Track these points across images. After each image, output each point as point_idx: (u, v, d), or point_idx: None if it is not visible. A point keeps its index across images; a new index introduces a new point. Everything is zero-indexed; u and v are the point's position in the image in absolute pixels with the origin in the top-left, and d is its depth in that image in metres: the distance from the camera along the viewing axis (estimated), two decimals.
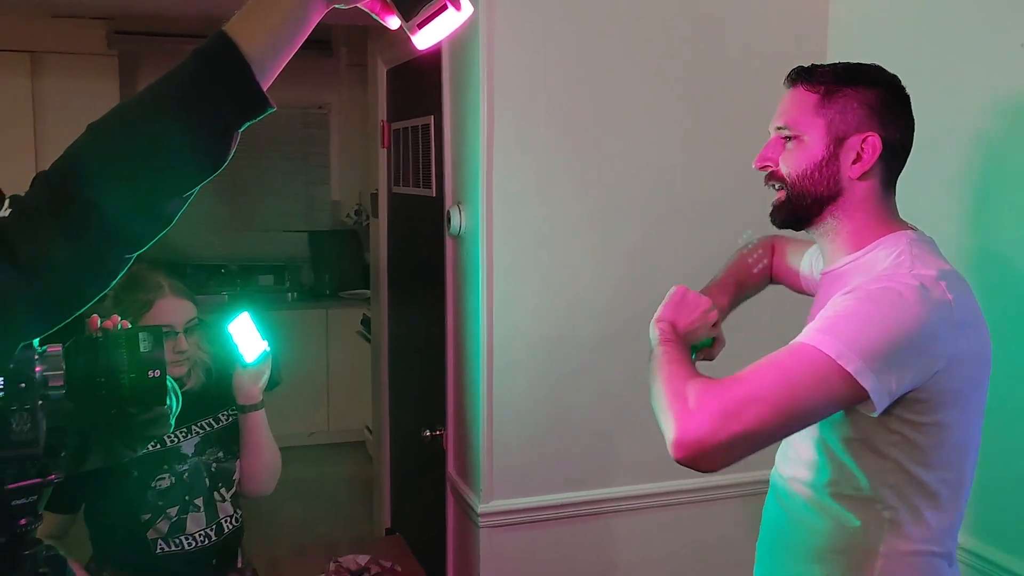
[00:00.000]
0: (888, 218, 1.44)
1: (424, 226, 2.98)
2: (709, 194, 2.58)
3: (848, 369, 1.22)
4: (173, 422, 1.63)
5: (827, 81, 1.41)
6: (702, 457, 1.21)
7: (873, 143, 1.38)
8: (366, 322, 4.98)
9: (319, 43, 5.61)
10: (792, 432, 1.33)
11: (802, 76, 1.44)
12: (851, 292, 1.30)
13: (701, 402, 1.22)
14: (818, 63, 1.46)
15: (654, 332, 1.50)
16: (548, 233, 2.46)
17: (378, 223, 3.60)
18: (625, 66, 2.47)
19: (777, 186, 1.46)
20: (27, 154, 4.92)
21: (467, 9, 0.99)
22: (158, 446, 1.97)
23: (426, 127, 2.90)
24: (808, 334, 1.28)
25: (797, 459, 1.47)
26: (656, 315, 1.54)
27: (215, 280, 5.74)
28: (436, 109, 2.75)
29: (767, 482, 1.61)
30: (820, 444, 1.41)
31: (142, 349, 1.30)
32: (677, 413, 1.23)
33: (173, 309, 1.94)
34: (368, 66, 3.68)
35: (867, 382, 1.22)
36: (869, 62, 1.45)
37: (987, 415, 1.42)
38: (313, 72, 5.67)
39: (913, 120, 1.43)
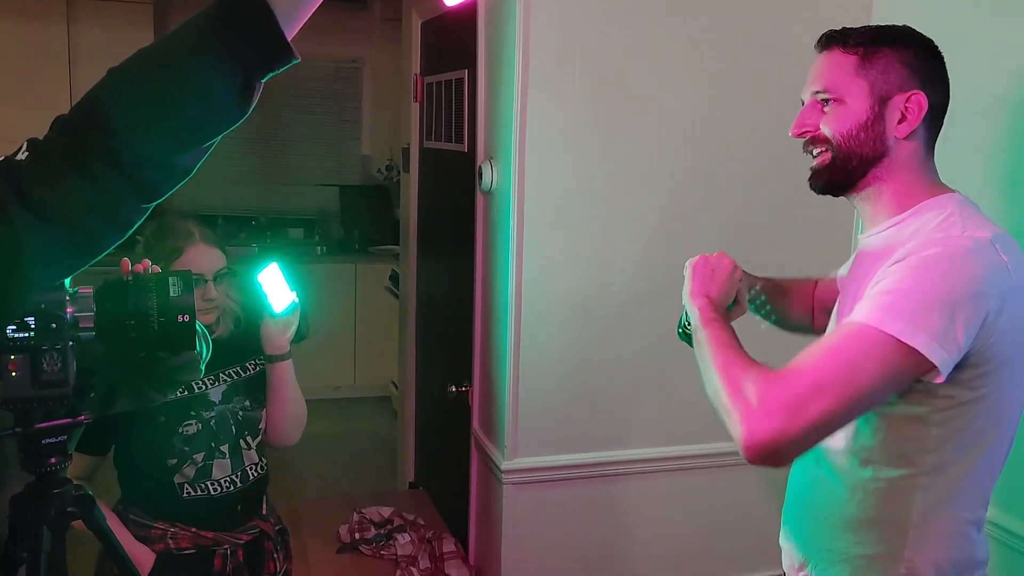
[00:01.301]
0: (931, 180, 1.40)
1: (455, 181, 2.96)
2: (743, 152, 2.54)
3: (914, 346, 1.19)
4: (203, 368, 1.64)
5: (864, 42, 1.37)
6: (773, 456, 1.20)
7: (918, 101, 1.35)
8: (394, 278, 4.98)
9: None
10: (860, 415, 1.30)
11: (836, 39, 1.40)
12: (904, 261, 1.26)
13: (764, 400, 1.19)
14: (849, 27, 1.42)
15: (693, 312, 1.47)
16: (580, 189, 2.43)
17: (409, 178, 3.58)
18: (661, 22, 2.43)
19: (818, 150, 1.41)
20: (63, 101, 4.92)
21: None
22: (185, 392, 1.97)
23: (460, 81, 2.87)
24: (866, 313, 1.23)
25: None
26: (688, 290, 1.51)
27: (245, 232, 5.76)
28: (470, 63, 2.71)
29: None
30: None
31: (172, 294, 1.30)
32: (742, 414, 1.21)
33: (203, 257, 1.94)
34: (403, 19, 3.64)
35: (936, 355, 1.19)
36: (899, 24, 1.41)
37: None
38: (346, 26, 5.63)
39: (948, 81, 1.39)
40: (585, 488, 2.56)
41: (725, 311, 1.51)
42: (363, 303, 5.64)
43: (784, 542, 1.56)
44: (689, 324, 1.50)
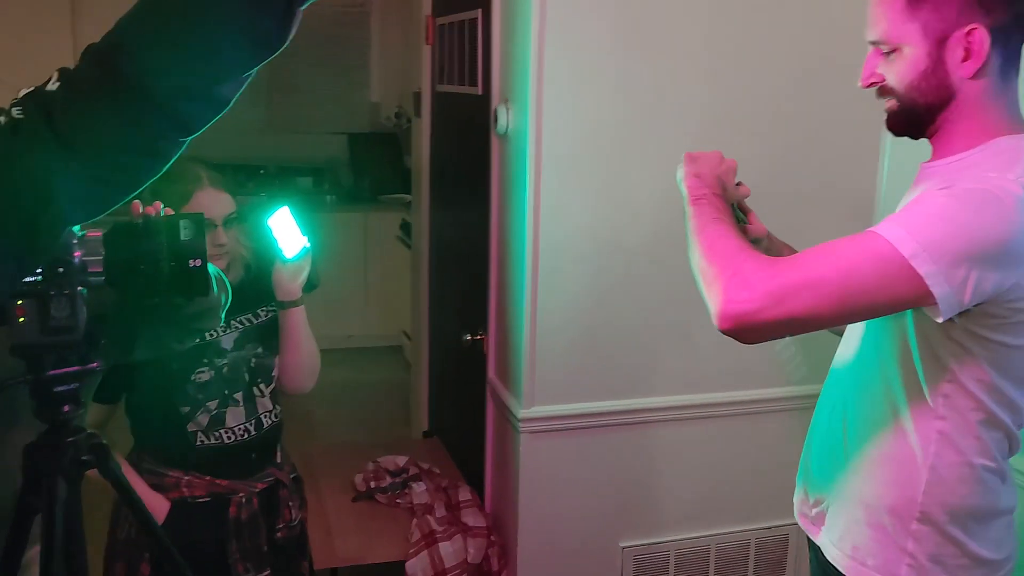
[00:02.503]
0: (1006, 116, 1.31)
1: (469, 126, 2.89)
2: (761, 96, 2.47)
3: (918, 270, 1.15)
4: (224, 316, 1.60)
5: None
6: (746, 330, 1.19)
7: (980, 36, 1.25)
8: (405, 227, 4.93)
9: None
10: (844, 323, 1.28)
11: None
12: (946, 188, 1.21)
13: (754, 280, 1.18)
14: None
15: (683, 191, 1.43)
16: (599, 132, 2.37)
17: (420, 123, 3.51)
18: None
19: (887, 98, 1.35)
20: (65, 51, 4.82)
21: None
22: (197, 339, 1.94)
23: (473, 21, 2.78)
24: (886, 226, 1.19)
25: (853, 354, 1.41)
26: (681, 177, 1.46)
27: (253, 181, 5.70)
28: (484, 2, 2.63)
29: (814, 397, 1.55)
30: (878, 339, 1.36)
31: (182, 237, 1.26)
32: (726, 283, 1.19)
33: (212, 201, 1.89)
34: None
35: (937, 287, 1.15)
36: None
37: None
38: None
39: None
40: (604, 437, 2.54)
41: (724, 194, 1.44)
42: (373, 252, 5.60)
43: (801, 478, 1.54)
44: None
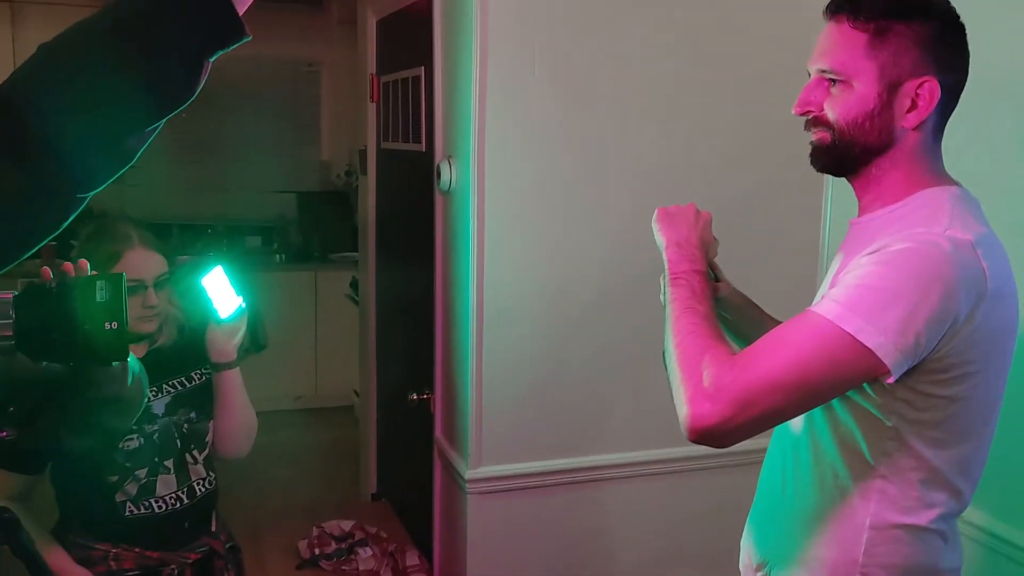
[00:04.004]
0: (933, 170, 1.31)
1: (413, 182, 2.87)
2: (706, 147, 2.49)
3: (866, 344, 1.15)
4: (135, 416, 1.53)
5: (877, 16, 1.25)
6: (715, 440, 1.19)
7: (931, 89, 1.25)
8: (355, 284, 4.88)
9: None
10: (809, 409, 1.26)
11: (847, 8, 1.28)
12: (876, 253, 1.20)
13: (715, 386, 1.17)
14: None
15: (665, 263, 1.41)
16: (541, 188, 2.36)
17: (366, 180, 3.49)
18: (620, 14, 2.37)
19: (818, 130, 1.33)
20: (4, 71, 4.76)
21: None
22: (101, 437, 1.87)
23: (416, 79, 2.78)
24: (828, 305, 1.19)
25: (797, 419, 1.39)
26: (661, 243, 1.44)
27: (202, 241, 5.62)
28: (427, 60, 2.63)
29: (763, 451, 1.53)
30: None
31: (98, 298, 1.20)
32: (691, 393, 1.19)
33: (142, 262, 1.83)
34: (357, 18, 3.54)
35: (888, 356, 1.15)
36: None
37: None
38: (303, 28, 5.51)
39: (969, 56, 1.29)
40: (554, 496, 2.49)
41: (703, 260, 1.42)
42: (323, 311, 5.52)
43: (745, 540, 1.51)
44: None
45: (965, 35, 1.29)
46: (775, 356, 1.18)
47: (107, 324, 1.19)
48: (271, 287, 5.11)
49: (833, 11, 1.30)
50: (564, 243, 2.39)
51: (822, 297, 1.23)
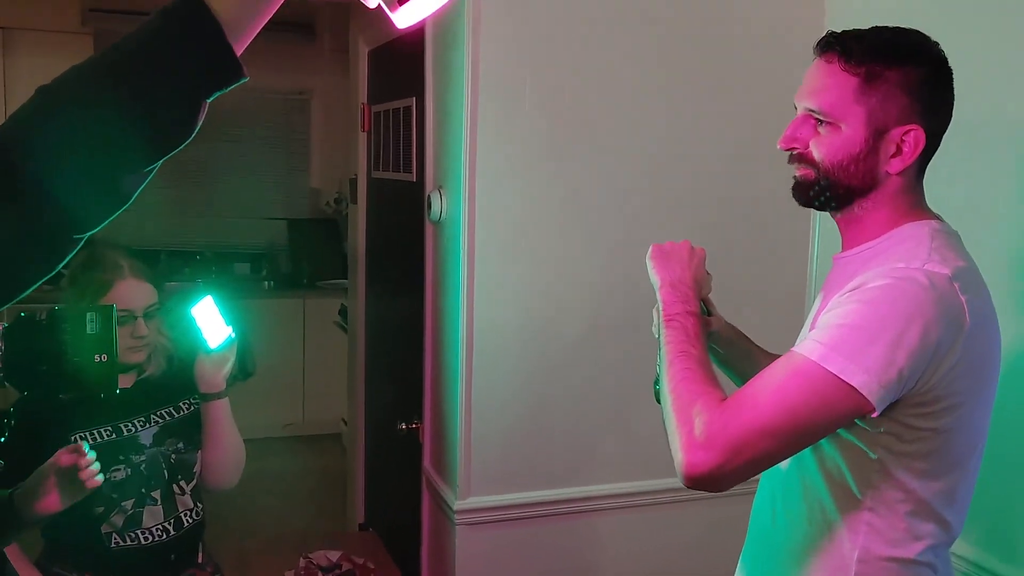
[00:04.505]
0: (914, 206, 1.33)
1: (404, 212, 2.88)
2: (697, 180, 2.50)
3: (850, 382, 1.16)
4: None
5: (869, 61, 1.26)
6: (710, 486, 1.22)
7: (916, 137, 1.27)
8: (344, 312, 4.88)
9: (302, 27, 5.49)
10: (802, 450, 1.28)
11: (838, 49, 1.29)
12: (855, 291, 1.22)
13: (708, 434, 1.19)
14: (855, 29, 1.31)
15: (658, 303, 1.42)
16: (531, 219, 2.37)
17: (357, 209, 3.50)
18: (611, 48, 2.39)
19: (802, 167, 1.34)
20: None
21: None
22: (114, 435, 1.86)
23: (407, 109, 2.80)
24: (810, 346, 1.20)
25: None
26: (655, 282, 1.45)
27: (190, 267, 5.61)
28: (418, 90, 2.65)
29: (753, 483, 1.53)
30: None
31: (88, 331, 1.20)
32: (684, 441, 1.21)
33: (133, 292, 1.83)
34: (349, 47, 3.57)
35: (872, 394, 1.17)
36: (914, 28, 1.31)
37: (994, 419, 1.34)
38: (296, 57, 5.55)
39: (953, 99, 1.31)
40: (543, 527, 2.47)
41: (697, 300, 1.43)
42: (312, 338, 5.52)
43: (739, 572, 1.51)
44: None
45: (952, 79, 1.31)
46: (763, 401, 1.19)
47: (97, 357, 1.20)
48: (260, 314, 5.10)
49: (824, 49, 1.31)
50: (554, 274, 2.40)
51: (803, 339, 1.24)
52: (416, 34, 2.61)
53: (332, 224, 5.84)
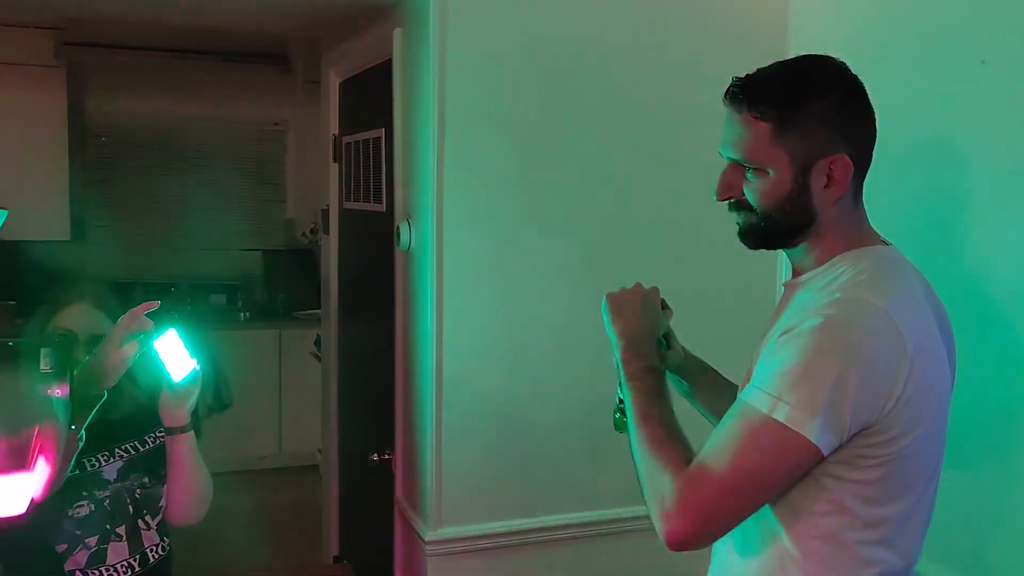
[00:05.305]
0: (858, 230, 1.34)
1: (374, 242, 2.88)
2: (665, 207, 2.52)
3: (803, 433, 1.18)
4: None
5: (777, 106, 1.27)
6: (693, 548, 1.25)
7: (844, 165, 1.27)
8: (320, 342, 4.85)
9: (277, 58, 5.50)
10: (776, 497, 1.28)
11: (744, 102, 1.29)
12: (792, 335, 1.22)
13: (678, 506, 1.22)
14: (757, 74, 1.32)
15: (618, 364, 1.43)
16: (500, 248, 2.38)
17: (329, 240, 3.50)
18: (578, 77, 2.41)
19: (743, 214, 1.36)
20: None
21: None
22: (76, 471, 1.84)
23: (377, 140, 2.81)
24: (757, 397, 1.21)
25: None
26: (611, 336, 1.46)
27: (165, 299, 5.57)
28: (387, 121, 2.66)
29: None
30: None
31: (42, 368, 1.20)
32: (658, 512, 1.25)
33: (78, 316, 1.83)
34: (320, 79, 3.58)
35: (825, 444, 1.19)
36: (815, 54, 1.33)
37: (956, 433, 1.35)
38: (270, 88, 5.55)
39: (874, 115, 1.32)
40: (515, 556, 2.46)
41: (654, 350, 1.44)
42: (288, 369, 5.48)
43: None
44: (623, 403, 1.45)
45: (866, 95, 1.31)
46: (723, 464, 1.21)
47: (49, 391, 1.19)
48: (235, 345, 5.06)
49: (732, 101, 1.31)
50: (523, 302, 2.41)
51: (750, 383, 1.25)
52: (386, 65, 2.63)
53: (308, 255, 5.82)
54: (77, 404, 1.21)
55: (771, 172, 1.29)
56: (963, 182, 1.99)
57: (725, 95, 1.33)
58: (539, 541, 2.48)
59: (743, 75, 1.32)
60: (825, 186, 1.29)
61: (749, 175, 1.32)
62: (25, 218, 4.89)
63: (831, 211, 1.31)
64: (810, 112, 1.27)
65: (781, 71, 1.31)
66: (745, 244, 1.39)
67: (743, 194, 1.33)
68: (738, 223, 1.37)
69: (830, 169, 1.28)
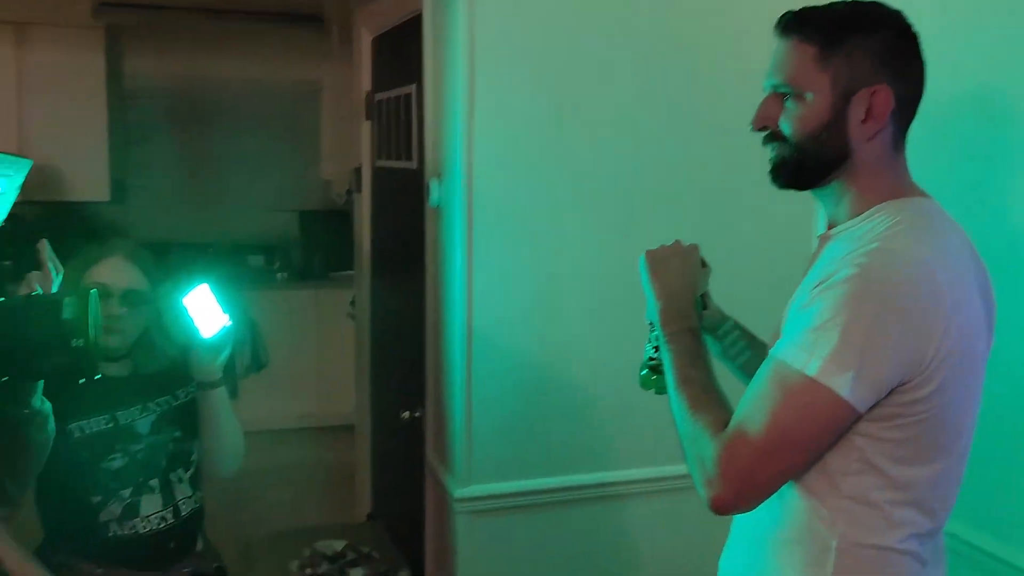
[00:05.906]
0: (897, 181, 1.30)
1: (406, 200, 2.87)
2: (698, 162, 2.47)
3: (838, 392, 1.15)
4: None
5: (825, 31, 1.26)
6: (738, 511, 1.27)
7: (884, 97, 1.24)
8: (355, 302, 4.88)
9: (311, 18, 5.47)
10: (817, 457, 1.25)
11: (793, 27, 1.29)
12: (827, 288, 1.18)
13: (718, 470, 1.22)
14: (811, 6, 1.30)
15: (655, 321, 1.42)
16: (531, 205, 2.35)
17: (362, 199, 3.49)
18: (609, 32, 2.36)
19: (776, 147, 1.33)
20: (11, 128, 4.82)
21: None
22: (111, 424, 1.86)
23: (408, 97, 2.79)
24: (791, 353, 1.19)
25: None
26: (650, 294, 1.44)
27: (203, 260, 5.62)
28: (418, 77, 2.63)
29: None
30: None
31: (65, 315, 1.20)
32: (700, 478, 1.25)
33: (115, 270, 1.83)
34: (353, 36, 3.55)
35: (860, 400, 1.16)
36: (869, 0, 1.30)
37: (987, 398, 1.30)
38: (305, 48, 5.54)
39: (923, 64, 1.29)
40: (544, 515, 2.46)
41: (693, 310, 1.42)
42: (325, 330, 5.52)
43: (722, 561, 1.49)
44: (652, 360, 1.46)
45: (919, 45, 1.28)
46: (756, 424, 1.19)
47: (74, 341, 1.19)
48: (272, 306, 5.11)
49: (782, 27, 1.30)
50: (554, 260, 2.38)
51: (784, 339, 1.22)
52: (416, 19, 2.60)
53: (344, 215, 5.82)
54: (96, 356, 1.21)
55: (809, 97, 1.27)
56: (1006, 141, 1.92)
57: (776, 24, 1.31)
58: (568, 500, 2.47)
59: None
60: (863, 120, 1.25)
61: (788, 103, 1.29)
62: (65, 179, 4.96)
63: (867, 149, 1.27)
64: (857, 41, 1.25)
65: (836, 4, 1.30)
66: (776, 183, 1.36)
67: (779, 125, 1.30)
68: (771, 159, 1.34)
69: (870, 102, 1.24)
